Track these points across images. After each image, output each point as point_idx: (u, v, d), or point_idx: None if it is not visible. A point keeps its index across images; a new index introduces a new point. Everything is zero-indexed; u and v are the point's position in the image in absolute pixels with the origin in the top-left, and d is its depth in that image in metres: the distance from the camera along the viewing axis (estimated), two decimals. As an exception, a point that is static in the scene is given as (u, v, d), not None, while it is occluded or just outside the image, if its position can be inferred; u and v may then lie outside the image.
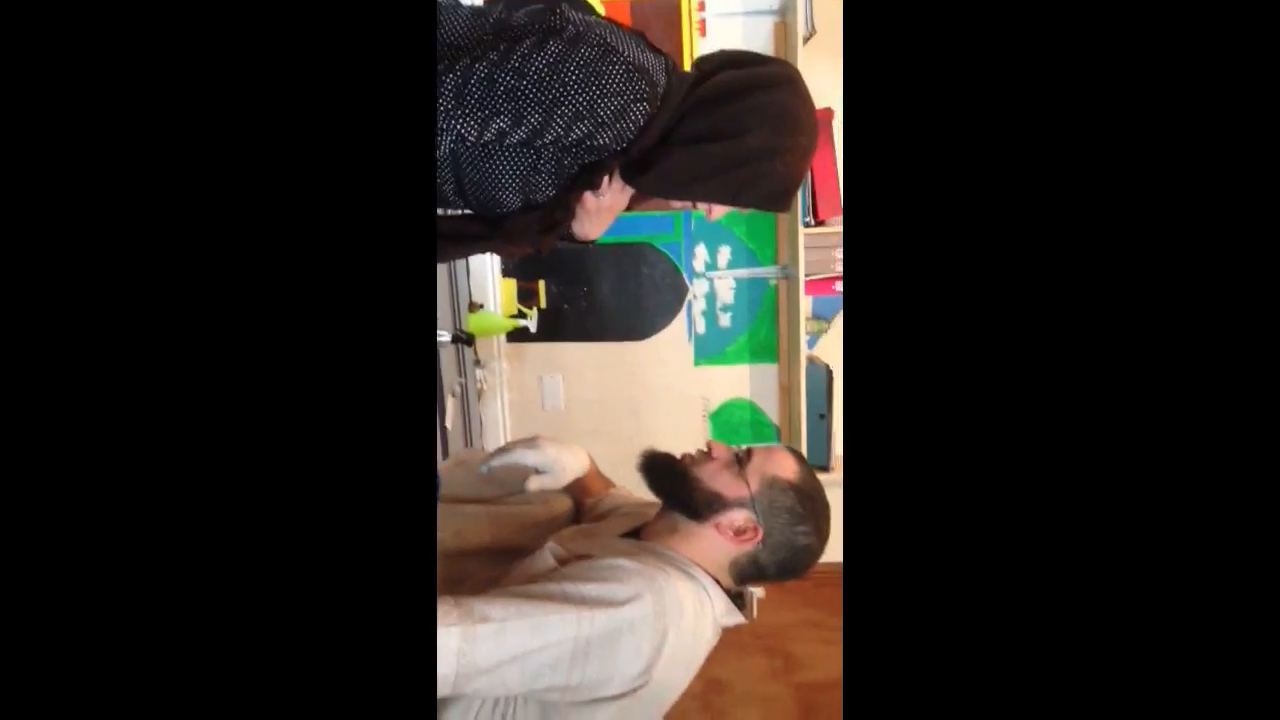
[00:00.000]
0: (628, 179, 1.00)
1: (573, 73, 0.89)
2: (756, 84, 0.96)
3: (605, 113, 0.90)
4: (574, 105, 0.89)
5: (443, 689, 0.75)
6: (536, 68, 0.89)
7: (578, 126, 0.91)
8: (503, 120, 0.90)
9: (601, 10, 1.03)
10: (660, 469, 0.98)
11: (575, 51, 0.90)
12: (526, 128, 0.90)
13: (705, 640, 0.91)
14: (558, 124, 0.90)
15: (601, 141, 0.93)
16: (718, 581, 0.95)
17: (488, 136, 0.91)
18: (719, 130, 0.94)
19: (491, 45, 0.91)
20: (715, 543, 0.94)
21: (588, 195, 1.00)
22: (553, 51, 0.89)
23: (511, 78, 0.88)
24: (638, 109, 0.92)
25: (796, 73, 0.99)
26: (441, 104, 0.90)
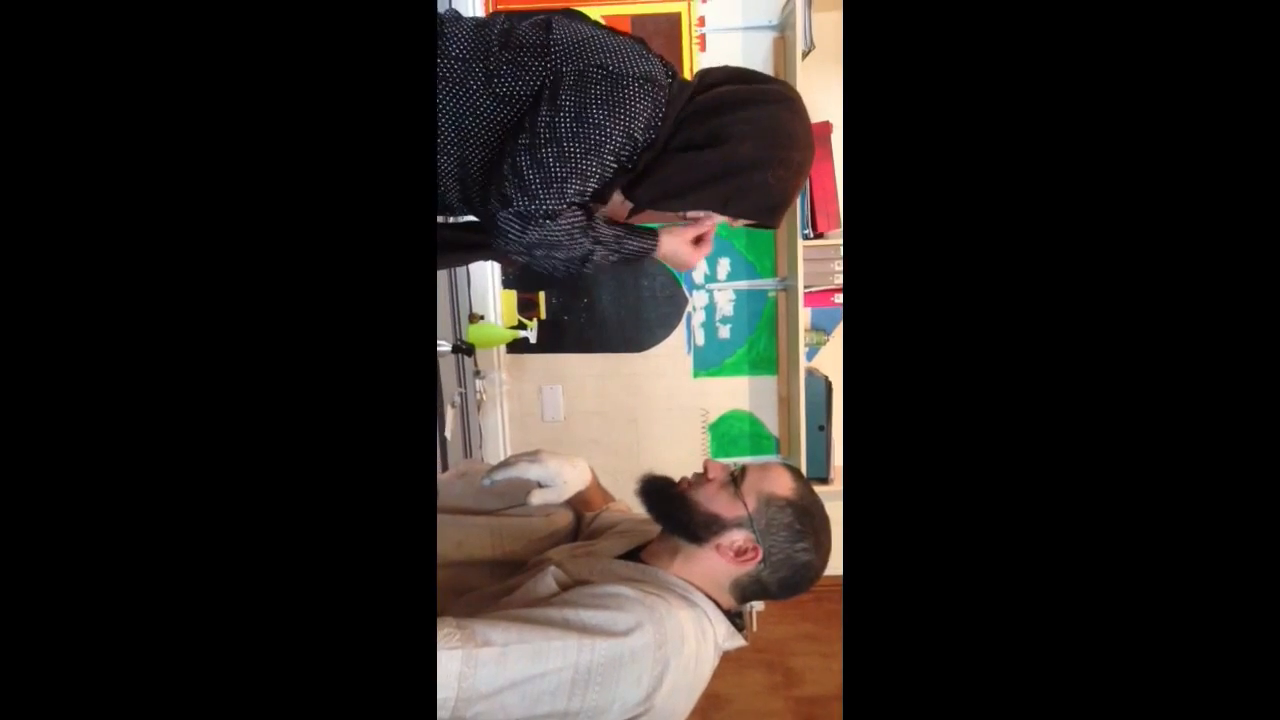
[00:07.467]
0: (627, 194, 1.01)
1: (596, 112, 0.93)
2: (754, 99, 0.98)
3: (638, 130, 0.97)
4: (613, 138, 0.95)
5: (442, 713, 0.75)
6: (565, 126, 0.93)
7: (624, 151, 0.97)
8: (574, 183, 0.95)
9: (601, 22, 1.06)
10: (658, 493, 0.98)
11: (588, 93, 0.93)
12: (594, 177, 0.96)
13: (707, 666, 0.90)
14: (608, 157, 0.96)
15: (637, 151, 0.99)
16: (719, 604, 0.95)
17: (570, 196, 0.96)
18: (712, 137, 0.97)
19: (511, 134, 0.96)
20: (716, 564, 0.94)
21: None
22: (568, 103, 0.93)
23: (552, 147, 0.93)
24: (658, 113, 0.98)
25: (796, 94, 1.01)
26: (508, 191, 0.95)
